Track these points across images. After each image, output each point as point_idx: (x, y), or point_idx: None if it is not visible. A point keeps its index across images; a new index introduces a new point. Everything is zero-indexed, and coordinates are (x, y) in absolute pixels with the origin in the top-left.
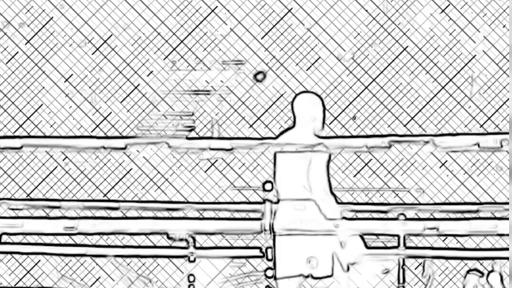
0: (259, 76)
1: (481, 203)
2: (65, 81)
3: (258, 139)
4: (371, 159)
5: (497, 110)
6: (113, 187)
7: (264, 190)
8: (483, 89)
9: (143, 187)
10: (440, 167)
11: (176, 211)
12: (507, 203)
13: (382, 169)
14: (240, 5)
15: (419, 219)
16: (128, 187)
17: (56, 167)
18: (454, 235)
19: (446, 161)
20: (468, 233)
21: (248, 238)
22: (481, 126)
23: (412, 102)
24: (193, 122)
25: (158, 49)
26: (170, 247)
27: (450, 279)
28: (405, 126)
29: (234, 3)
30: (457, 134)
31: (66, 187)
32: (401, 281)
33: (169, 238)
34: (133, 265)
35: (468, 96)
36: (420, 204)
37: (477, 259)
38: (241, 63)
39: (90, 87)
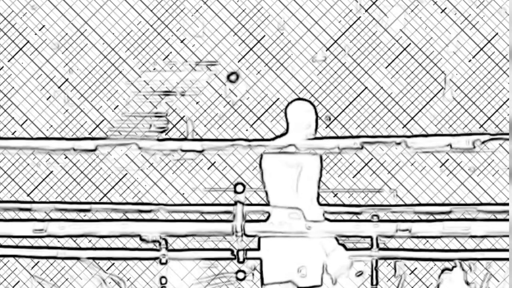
0: (232, 77)
1: (453, 204)
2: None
3: (229, 141)
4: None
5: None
6: (82, 187)
7: (236, 192)
8: (455, 89)
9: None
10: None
11: (148, 213)
12: (480, 204)
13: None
14: (210, 5)
15: (392, 220)
16: (98, 187)
17: (26, 167)
18: (427, 237)
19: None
20: (441, 234)
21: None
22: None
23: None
24: (167, 123)
25: (128, 49)
26: (142, 249)
27: (419, 279)
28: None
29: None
30: (429, 135)
31: (36, 187)
32: (374, 282)
33: (141, 240)
34: (103, 265)
35: (446, 96)
36: (392, 205)
37: (450, 260)
38: (213, 63)
39: (59, 87)
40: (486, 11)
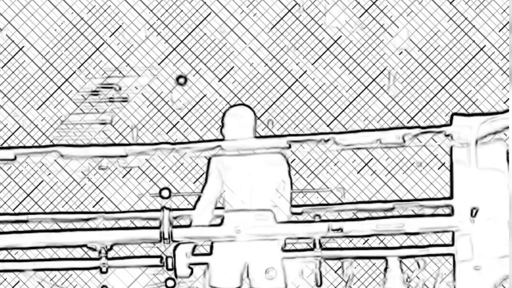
0: (181, 80)
1: (395, 201)
2: None
3: (153, 145)
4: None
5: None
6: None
7: (162, 197)
8: (399, 83)
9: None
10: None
11: (87, 221)
12: (423, 200)
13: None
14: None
15: (323, 220)
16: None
17: None
18: (360, 236)
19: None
20: (374, 232)
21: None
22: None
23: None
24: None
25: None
26: (84, 258)
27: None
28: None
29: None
30: (357, 130)
31: None
32: (318, 283)
33: (89, 248)
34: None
35: (391, 90)
36: (333, 204)
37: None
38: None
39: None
40: None
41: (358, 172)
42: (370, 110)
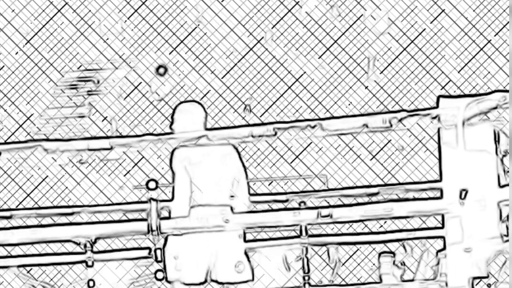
0: (161, 70)
1: (380, 185)
2: None
3: (136, 136)
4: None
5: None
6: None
7: (148, 189)
8: (378, 70)
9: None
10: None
11: (71, 215)
12: (410, 183)
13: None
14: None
15: (312, 207)
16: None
17: None
18: (349, 222)
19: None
20: (362, 218)
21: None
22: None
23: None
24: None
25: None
26: (68, 253)
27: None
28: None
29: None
30: (344, 116)
31: None
32: (305, 270)
33: (73, 242)
34: (34, 273)
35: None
36: (318, 190)
37: (382, 242)
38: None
39: None
40: None
41: (343, 157)
42: (354, 95)
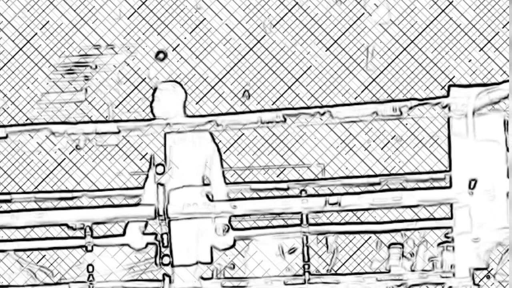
0: (160, 55)
1: (382, 175)
2: None
3: (146, 120)
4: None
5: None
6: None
7: (156, 173)
8: (376, 60)
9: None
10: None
11: (71, 200)
12: (420, 173)
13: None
14: None
15: (320, 195)
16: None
17: None
18: (357, 210)
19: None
20: (371, 206)
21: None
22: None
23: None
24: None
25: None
26: (68, 237)
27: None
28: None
29: None
30: (354, 103)
31: None
32: (305, 259)
33: (69, 227)
34: (33, 257)
35: (365, 67)
36: (320, 179)
37: (383, 232)
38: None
39: None
40: None
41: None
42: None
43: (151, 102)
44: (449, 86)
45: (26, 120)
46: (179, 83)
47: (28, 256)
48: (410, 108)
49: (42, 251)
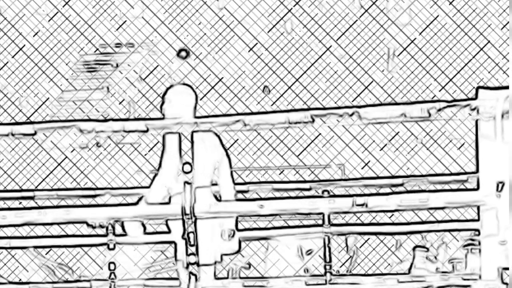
0: (182, 54)
1: (406, 176)
2: None
3: (175, 119)
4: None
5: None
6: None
7: (184, 172)
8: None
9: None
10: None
11: (94, 197)
12: (447, 174)
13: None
14: None
15: (347, 195)
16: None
17: None
18: (384, 211)
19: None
20: (398, 208)
21: None
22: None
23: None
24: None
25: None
26: (89, 235)
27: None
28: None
29: None
30: (382, 104)
31: None
32: (327, 260)
33: (88, 225)
34: (52, 254)
35: (387, 69)
36: (342, 180)
37: (405, 233)
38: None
39: None
40: None
41: (381, 149)
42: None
43: (161, 104)
44: (478, 88)
45: (44, 118)
46: (190, 86)
47: (47, 253)
48: (439, 110)
49: (60, 249)
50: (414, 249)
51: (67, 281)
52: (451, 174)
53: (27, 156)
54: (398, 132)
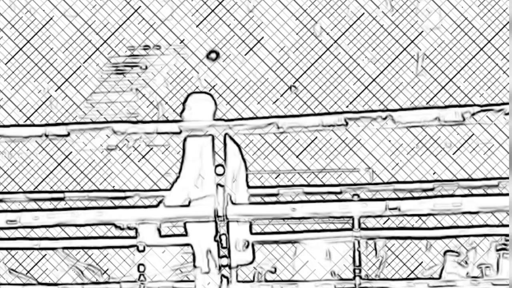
0: (212, 55)
1: (436, 181)
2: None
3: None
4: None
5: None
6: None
7: (217, 174)
8: (426, 65)
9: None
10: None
11: (124, 199)
12: (478, 180)
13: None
14: None
15: (380, 199)
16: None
17: None
18: (417, 215)
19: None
20: (431, 212)
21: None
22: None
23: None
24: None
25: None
26: (119, 237)
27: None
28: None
29: None
30: (416, 108)
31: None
32: (357, 263)
33: (116, 227)
34: (82, 255)
35: (415, 73)
36: (372, 184)
37: (434, 238)
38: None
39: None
40: None
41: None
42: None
43: (182, 111)
44: None
45: (73, 119)
46: (210, 94)
47: (77, 254)
48: (473, 114)
49: (88, 250)
50: (445, 253)
51: (96, 283)
52: (483, 179)
53: (57, 156)
54: (425, 135)
